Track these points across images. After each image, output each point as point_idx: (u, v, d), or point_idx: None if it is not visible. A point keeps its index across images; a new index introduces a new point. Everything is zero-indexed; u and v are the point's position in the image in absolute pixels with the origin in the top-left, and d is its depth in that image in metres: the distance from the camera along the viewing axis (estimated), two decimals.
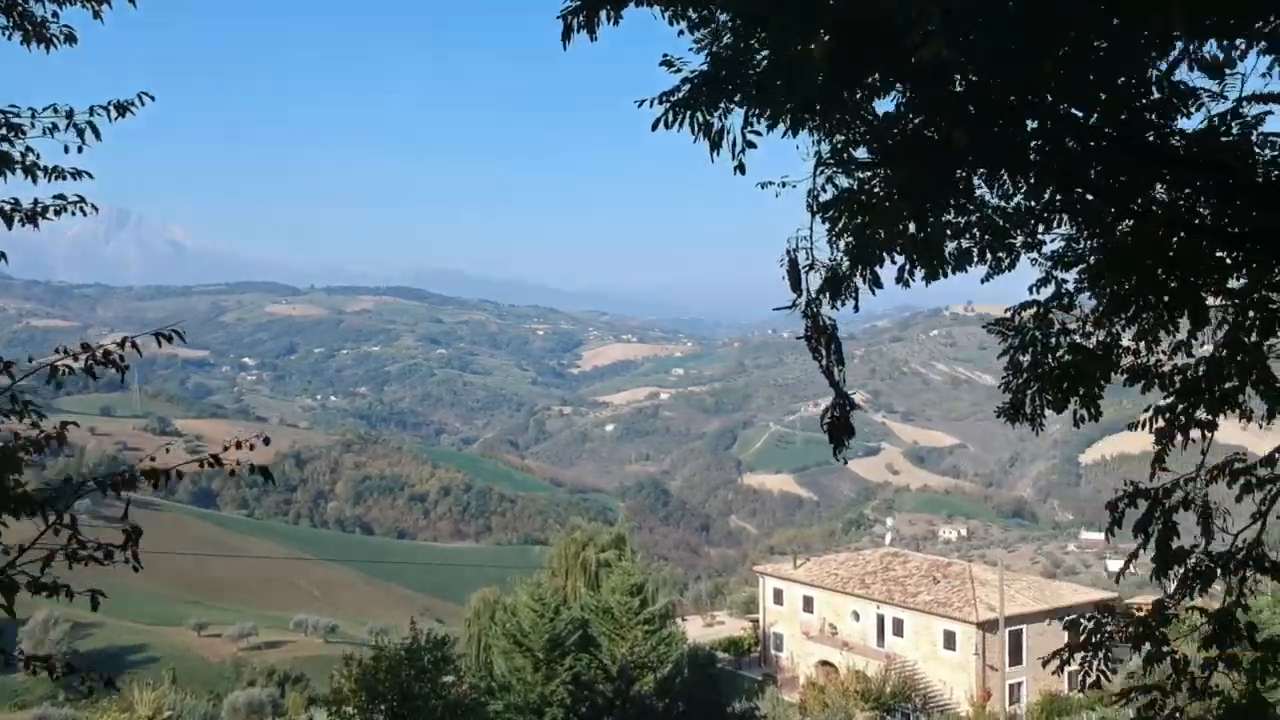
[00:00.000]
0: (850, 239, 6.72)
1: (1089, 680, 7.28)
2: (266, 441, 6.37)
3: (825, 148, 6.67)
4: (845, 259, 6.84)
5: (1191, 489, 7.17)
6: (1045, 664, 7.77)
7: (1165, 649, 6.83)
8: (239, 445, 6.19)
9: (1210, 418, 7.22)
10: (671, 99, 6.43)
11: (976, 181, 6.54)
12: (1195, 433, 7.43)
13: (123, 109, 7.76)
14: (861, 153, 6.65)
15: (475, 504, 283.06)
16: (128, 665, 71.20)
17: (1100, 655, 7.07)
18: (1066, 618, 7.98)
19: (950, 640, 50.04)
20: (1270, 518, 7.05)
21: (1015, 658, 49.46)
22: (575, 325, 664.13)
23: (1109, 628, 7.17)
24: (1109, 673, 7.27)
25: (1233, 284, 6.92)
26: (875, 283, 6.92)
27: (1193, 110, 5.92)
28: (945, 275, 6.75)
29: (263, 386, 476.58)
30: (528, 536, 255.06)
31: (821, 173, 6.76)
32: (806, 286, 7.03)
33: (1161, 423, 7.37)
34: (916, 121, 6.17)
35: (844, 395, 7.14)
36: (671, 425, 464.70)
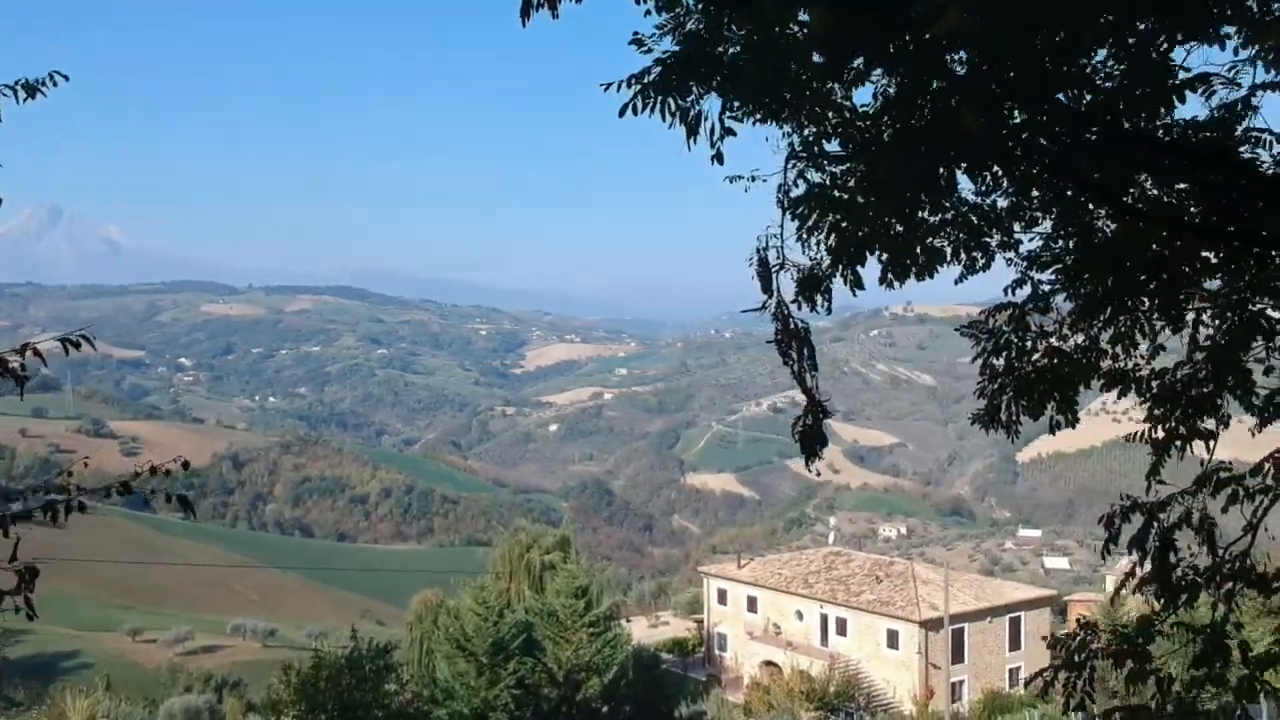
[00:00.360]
0: (833, 237, 6.37)
1: (1073, 702, 6.98)
2: (185, 466, 5.89)
3: (797, 140, 6.31)
4: (827, 257, 6.50)
5: (1189, 503, 6.92)
6: (1027, 684, 7.47)
7: (1149, 667, 6.57)
8: (153, 471, 5.68)
9: (1212, 428, 6.96)
10: (643, 81, 5.99)
11: (959, 177, 6.24)
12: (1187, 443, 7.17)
13: (32, 90, 6.94)
14: (834, 146, 6.32)
15: (417, 505, 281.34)
16: (60, 672, 69.72)
17: (1085, 675, 6.80)
18: (1053, 638, 7.66)
19: (893, 639, 50.23)
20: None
21: (957, 656, 49.72)
22: (518, 325, 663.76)
23: (1093, 645, 6.89)
24: (1093, 692, 6.99)
25: (1208, 285, 6.68)
26: (857, 283, 6.57)
27: (1203, 97, 5.63)
28: (930, 276, 6.45)
29: (199, 387, 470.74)
30: (470, 538, 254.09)
31: (793, 167, 6.39)
32: (777, 287, 6.66)
33: (1161, 433, 7.11)
34: (901, 111, 5.83)
35: (816, 402, 6.80)
36: (615, 425, 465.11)
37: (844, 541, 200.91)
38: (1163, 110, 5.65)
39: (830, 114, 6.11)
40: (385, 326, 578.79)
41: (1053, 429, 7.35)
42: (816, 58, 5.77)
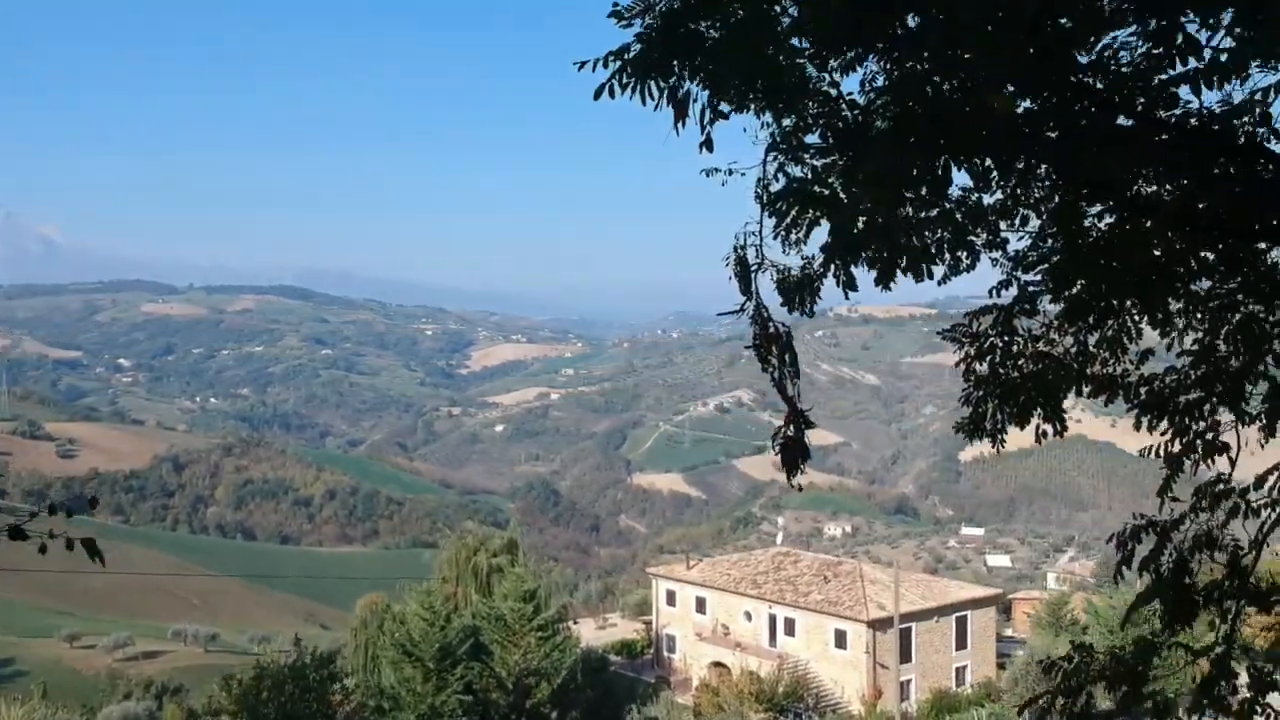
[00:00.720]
0: (815, 233, 6.02)
1: None
2: (93, 504, 5.43)
3: (778, 131, 5.91)
4: (819, 256, 6.14)
5: (1202, 521, 6.66)
6: (1021, 711, 7.15)
7: (1146, 690, 6.30)
8: (53, 510, 5.23)
9: (1228, 440, 6.68)
10: (622, 58, 5.55)
11: (954, 172, 5.89)
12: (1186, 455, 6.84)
13: None
14: (815, 138, 5.94)
15: (362, 507, 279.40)
16: None
17: (1082, 700, 6.51)
18: (1048, 661, 7.31)
19: (841, 639, 50.24)
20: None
21: (904, 655, 49.84)
22: (465, 325, 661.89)
23: (1092, 667, 6.61)
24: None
25: (1197, 288, 6.42)
26: (850, 284, 6.22)
27: (1238, 82, 5.28)
28: (929, 276, 6.12)
29: (139, 388, 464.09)
30: (416, 539, 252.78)
31: (773, 160, 6.00)
32: (756, 289, 6.28)
33: (1179, 447, 6.83)
34: (898, 98, 5.46)
35: (798, 412, 6.44)
36: (561, 425, 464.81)
37: (790, 541, 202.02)
38: (1179, 97, 5.34)
39: (812, 104, 5.75)
40: (330, 326, 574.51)
41: (1039, 437, 7.06)
42: (801, 42, 5.42)
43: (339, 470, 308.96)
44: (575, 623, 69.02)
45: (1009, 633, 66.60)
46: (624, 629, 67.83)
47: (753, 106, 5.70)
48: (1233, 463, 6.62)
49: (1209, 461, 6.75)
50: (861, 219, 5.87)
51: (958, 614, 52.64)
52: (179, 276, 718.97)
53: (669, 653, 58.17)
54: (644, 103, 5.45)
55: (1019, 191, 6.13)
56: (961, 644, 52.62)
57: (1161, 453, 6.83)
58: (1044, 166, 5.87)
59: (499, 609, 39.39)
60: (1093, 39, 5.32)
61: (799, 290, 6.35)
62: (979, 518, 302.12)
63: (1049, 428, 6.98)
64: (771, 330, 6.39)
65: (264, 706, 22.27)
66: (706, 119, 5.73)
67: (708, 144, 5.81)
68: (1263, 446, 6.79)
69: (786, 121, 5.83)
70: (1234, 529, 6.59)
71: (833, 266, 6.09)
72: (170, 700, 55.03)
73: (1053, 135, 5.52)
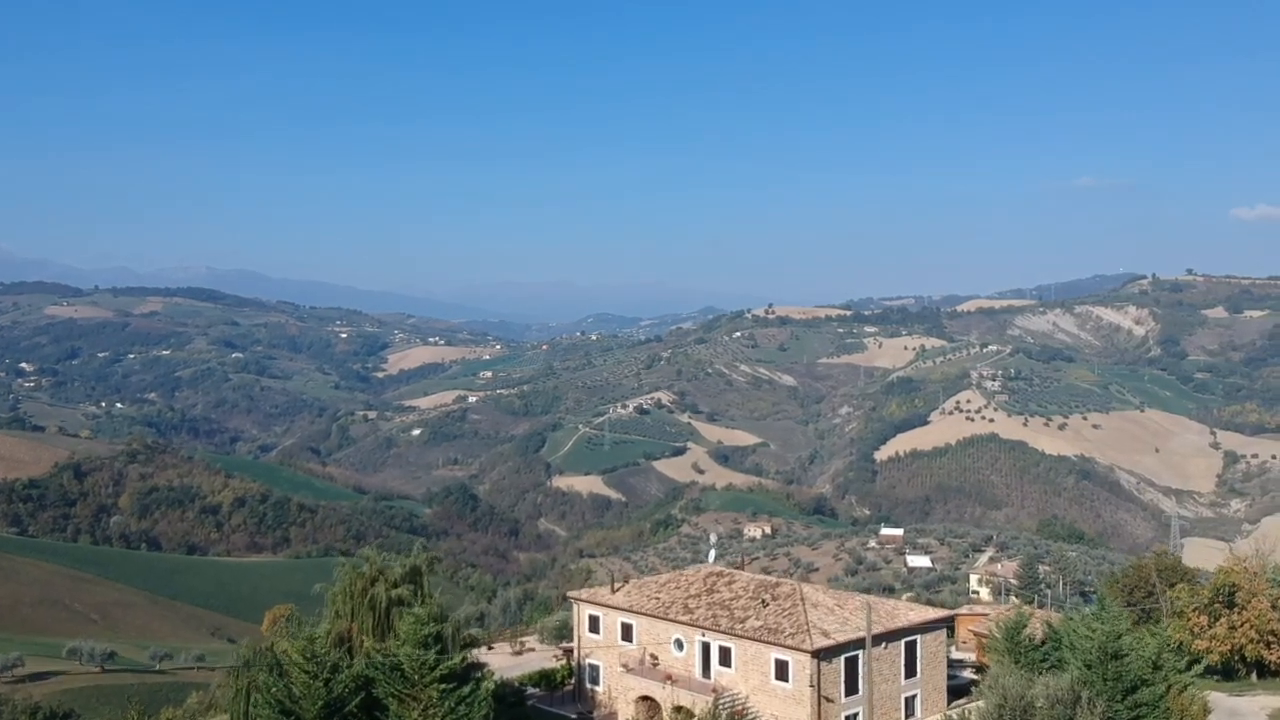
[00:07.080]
0: None
1: None
2: None
3: None
4: None
5: None
6: None
7: None
8: None
9: None
10: None
11: None
12: None
13: None
14: None
15: (272, 515, 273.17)
16: None
17: None
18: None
19: (783, 670, 45.70)
20: None
21: (851, 687, 45.49)
22: (380, 328, 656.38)
23: None
24: None
25: None
26: None
27: None
28: None
29: (42, 393, 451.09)
30: (329, 547, 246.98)
31: None
32: None
33: None
34: None
35: None
36: (480, 428, 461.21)
37: (710, 543, 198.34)
38: None
39: None
40: (240, 329, 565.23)
41: None
42: None
43: (249, 477, 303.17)
44: (489, 648, 63.82)
45: (953, 653, 62.70)
46: (542, 655, 63.01)
47: None
48: None
49: None
50: None
51: (907, 639, 48.42)
52: (83, 279, 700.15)
53: (592, 684, 53.28)
54: None
55: None
56: (911, 671, 48.50)
57: None
58: None
59: (395, 655, 34.03)
60: None
61: None
62: (895, 516, 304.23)
63: None
64: None
65: None
66: None
67: None
68: None
69: None
70: None
71: None
72: None
73: None
